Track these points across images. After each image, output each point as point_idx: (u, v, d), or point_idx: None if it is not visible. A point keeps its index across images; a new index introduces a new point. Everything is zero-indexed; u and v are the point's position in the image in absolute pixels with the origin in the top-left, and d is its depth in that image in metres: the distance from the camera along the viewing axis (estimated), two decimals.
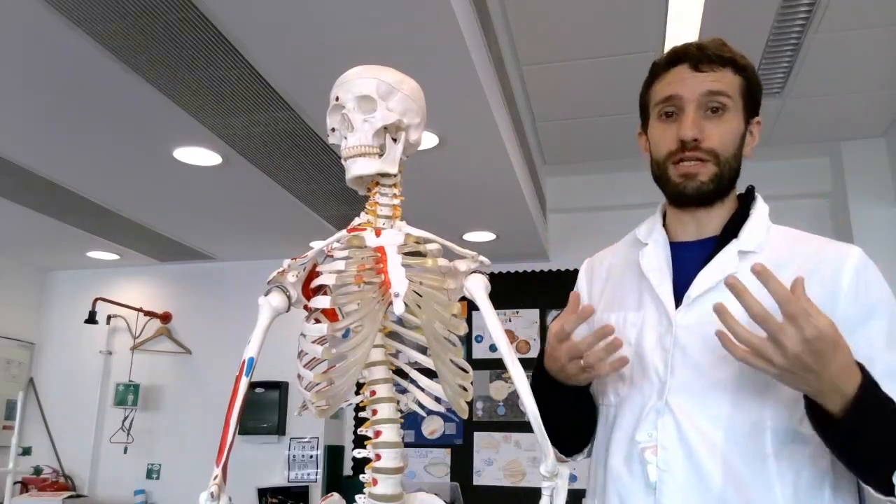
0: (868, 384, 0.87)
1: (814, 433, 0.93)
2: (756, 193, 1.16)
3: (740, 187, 1.17)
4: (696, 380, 1.02)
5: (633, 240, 1.22)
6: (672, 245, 1.15)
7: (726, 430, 0.98)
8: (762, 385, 0.96)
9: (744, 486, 0.95)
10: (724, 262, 1.06)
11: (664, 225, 1.18)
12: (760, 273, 0.84)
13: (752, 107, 1.12)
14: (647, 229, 1.19)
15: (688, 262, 1.10)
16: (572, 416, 1.17)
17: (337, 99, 1.05)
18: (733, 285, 0.85)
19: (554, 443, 1.22)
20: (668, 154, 1.10)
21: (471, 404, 1.12)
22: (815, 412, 0.90)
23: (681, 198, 1.11)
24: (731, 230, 1.10)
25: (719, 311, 0.87)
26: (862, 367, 0.88)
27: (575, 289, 1.29)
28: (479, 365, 3.95)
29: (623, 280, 1.18)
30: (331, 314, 1.05)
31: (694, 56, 1.10)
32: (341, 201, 3.30)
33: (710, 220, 1.13)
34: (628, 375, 1.10)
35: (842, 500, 0.98)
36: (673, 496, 0.99)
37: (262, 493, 3.86)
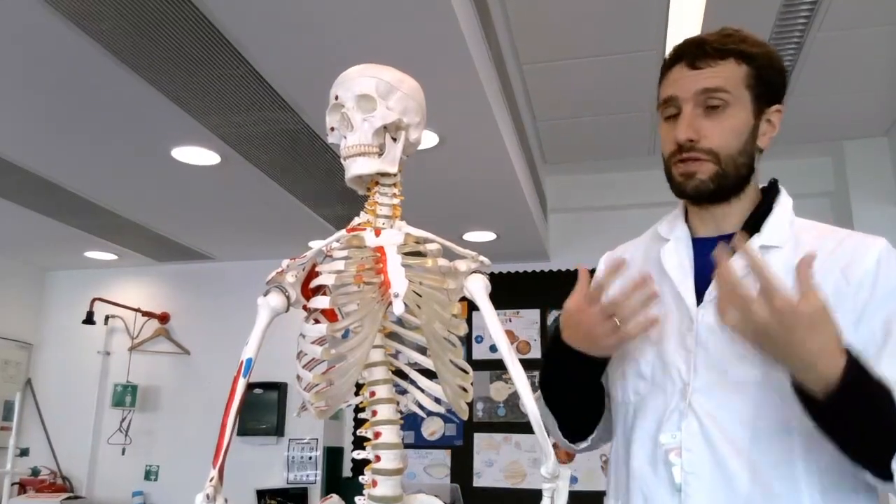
0: (852, 369, 0.86)
1: None
2: (780, 186, 1.14)
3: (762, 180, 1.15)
4: (719, 380, 1.01)
5: (654, 235, 1.21)
6: (694, 241, 1.14)
7: (752, 431, 0.97)
8: (787, 385, 0.94)
9: (770, 488, 0.94)
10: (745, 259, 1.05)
11: (686, 220, 1.17)
12: (745, 254, 0.88)
13: (766, 95, 1.08)
14: (669, 225, 1.18)
15: (709, 258, 1.08)
16: (581, 398, 1.16)
17: (336, 98, 1.05)
18: (717, 260, 0.89)
19: (563, 426, 1.21)
20: (670, 155, 1.10)
21: (471, 405, 1.11)
22: (802, 396, 0.90)
23: (683, 196, 1.11)
24: (753, 225, 1.08)
25: (719, 273, 0.90)
26: (849, 353, 0.87)
27: (593, 282, 1.28)
28: (479, 365, 3.93)
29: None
30: (330, 314, 1.05)
31: (691, 53, 1.08)
32: (341, 201, 3.29)
33: (729, 216, 1.11)
34: (649, 374, 1.09)
35: (869, 503, 0.97)
36: (699, 498, 0.98)
37: (261, 494, 3.85)
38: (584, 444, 1.23)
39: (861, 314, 0.97)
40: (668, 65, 1.12)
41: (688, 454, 1.00)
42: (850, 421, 0.87)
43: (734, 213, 1.11)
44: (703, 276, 1.07)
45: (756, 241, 1.06)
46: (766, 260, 0.99)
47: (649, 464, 1.05)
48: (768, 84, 1.08)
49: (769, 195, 1.13)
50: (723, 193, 1.09)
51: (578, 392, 1.15)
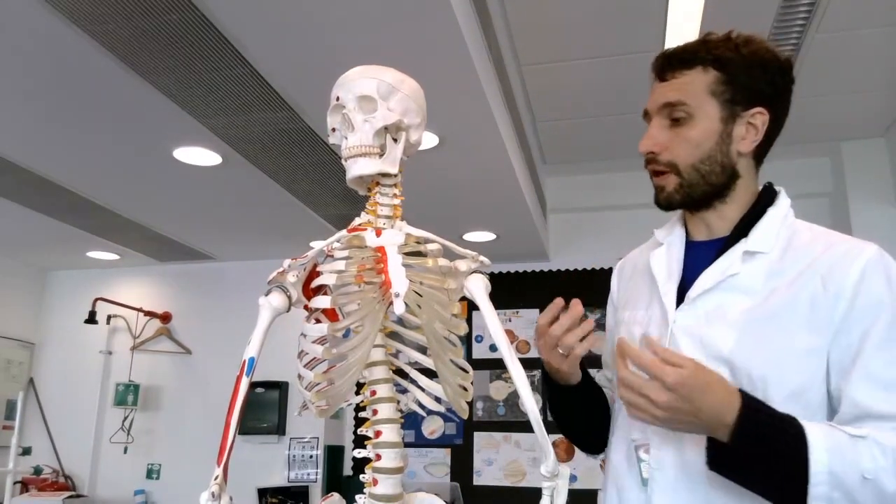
0: (748, 408, 0.89)
1: None
2: (777, 188, 1.13)
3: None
4: None
5: (653, 239, 1.23)
6: (690, 244, 1.15)
7: None
8: (752, 387, 0.97)
9: (733, 486, 0.95)
10: (727, 264, 1.06)
11: (685, 224, 1.19)
12: (620, 346, 0.91)
13: (743, 99, 1.06)
14: (667, 229, 1.21)
15: (699, 262, 1.11)
16: (585, 415, 1.21)
17: (338, 99, 1.06)
18: (621, 347, 0.91)
19: (576, 444, 1.27)
20: (644, 165, 1.13)
21: (471, 404, 1.12)
22: (716, 452, 0.92)
23: (658, 206, 1.14)
24: (742, 229, 1.09)
25: (620, 379, 0.92)
26: (743, 394, 0.90)
27: (539, 320, 1.33)
28: (479, 365, 3.94)
29: (639, 280, 1.21)
30: (331, 314, 1.06)
31: (658, 66, 1.11)
32: (341, 201, 3.30)
33: (720, 220, 1.12)
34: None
35: None
36: (664, 493, 1.01)
37: (262, 492, 3.86)
38: (601, 456, 1.27)
39: (840, 326, 0.97)
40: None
41: (655, 451, 1.04)
42: (758, 456, 0.89)
43: (726, 216, 1.11)
44: (692, 279, 1.09)
45: (741, 246, 1.06)
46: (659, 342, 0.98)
47: (625, 459, 1.10)
48: (745, 88, 1.06)
49: (764, 198, 1.12)
50: (695, 202, 1.11)
51: (580, 408, 1.20)
